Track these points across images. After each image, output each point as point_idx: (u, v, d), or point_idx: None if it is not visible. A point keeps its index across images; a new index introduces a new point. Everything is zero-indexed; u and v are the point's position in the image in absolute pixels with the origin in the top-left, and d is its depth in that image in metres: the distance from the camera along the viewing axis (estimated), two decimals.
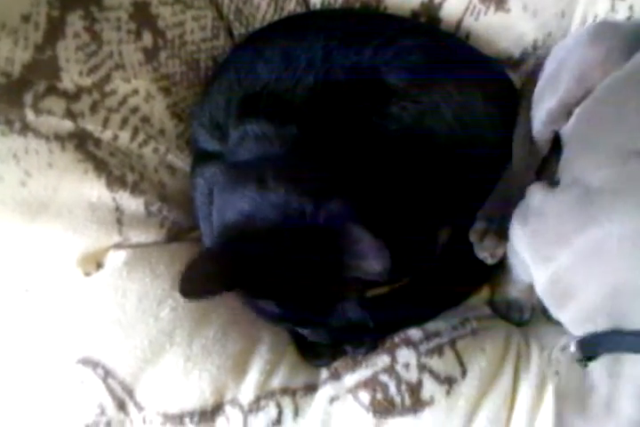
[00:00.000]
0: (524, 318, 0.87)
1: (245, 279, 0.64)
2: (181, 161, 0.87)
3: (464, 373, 0.76)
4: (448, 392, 0.75)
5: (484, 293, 0.89)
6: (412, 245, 0.85)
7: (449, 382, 0.75)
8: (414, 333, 0.79)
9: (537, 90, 0.85)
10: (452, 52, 0.88)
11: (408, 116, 0.79)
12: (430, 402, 0.74)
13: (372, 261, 0.62)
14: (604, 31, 0.79)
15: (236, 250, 0.66)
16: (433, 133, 0.81)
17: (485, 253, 0.80)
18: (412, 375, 0.75)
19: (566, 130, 0.80)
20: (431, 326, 0.80)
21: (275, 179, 0.68)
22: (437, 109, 0.80)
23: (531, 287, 0.81)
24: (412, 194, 0.81)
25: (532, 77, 0.89)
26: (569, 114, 0.80)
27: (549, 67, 0.86)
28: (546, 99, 0.82)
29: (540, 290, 0.72)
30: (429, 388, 0.74)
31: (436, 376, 0.75)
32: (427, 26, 0.95)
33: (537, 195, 0.74)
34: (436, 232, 0.90)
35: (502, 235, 0.79)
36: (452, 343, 0.78)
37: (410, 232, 0.84)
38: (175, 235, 0.84)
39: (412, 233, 0.84)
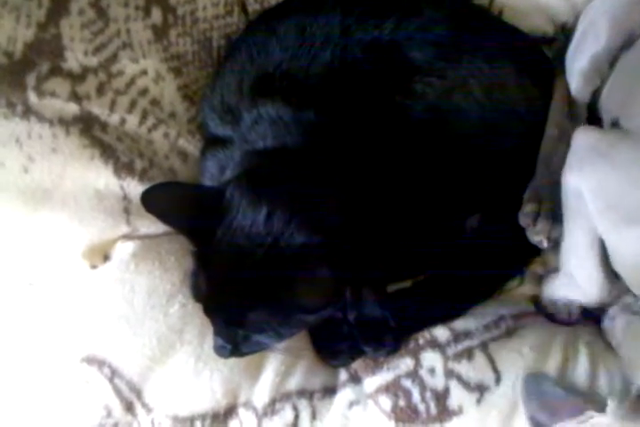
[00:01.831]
0: (573, 320, 0.79)
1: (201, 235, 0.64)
2: (193, 146, 0.82)
3: (498, 379, 0.70)
4: (479, 401, 0.69)
5: (527, 287, 0.81)
6: (437, 235, 0.80)
7: (480, 389, 0.69)
8: (441, 333, 0.73)
9: (573, 45, 0.80)
10: (482, 23, 0.81)
11: (434, 94, 0.73)
12: (459, 412, 0.68)
13: (308, 292, 0.60)
14: None
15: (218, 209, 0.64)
16: (461, 111, 0.75)
17: (540, 237, 0.73)
18: (438, 382, 0.70)
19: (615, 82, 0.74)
20: (460, 324, 0.74)
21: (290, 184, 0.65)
22: (465, 85, 0.74)
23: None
24: (440, 179, 0.75)
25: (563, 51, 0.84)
26: (613, 61, 0.74)
27: (585, 20, 0.81)
28: (587, 47, 0.77)
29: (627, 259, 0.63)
30: (457, 396, 0.69)
31: (465, 383, 0.69)
32: None
33: (591, 137, 0.67)
34: (465, 218, 0.84)
35: (555, 216, 0.72)
36: (484, 346, 0.72)
37: (437, 219, 0.79)
38: None
39: (439, 220, 0.79)
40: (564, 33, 0.88)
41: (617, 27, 0.73)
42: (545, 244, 0.73)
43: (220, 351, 0.66)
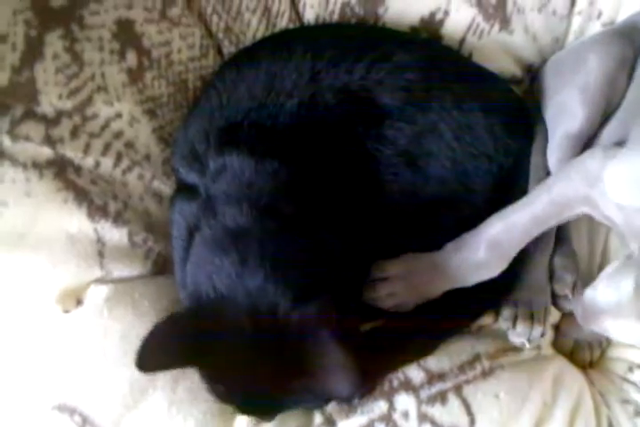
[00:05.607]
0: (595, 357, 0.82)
1: (201, 358, 0.62)
2: (169, 188, 0.82)
3: (472, 423, 0.70)
4: None
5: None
6: None
7: None
8: (415, 374, 0.73)
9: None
10: (452, 66, 0.82)
11: (404, 139, 0.74)
12: None
13: (335, 382, 0.58)
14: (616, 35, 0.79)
15: (200, 329, 0.62)
16: (432, 155, 0.76)
17: (521, 339, 0.75)
18: (412, 426, 0.69)
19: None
20: (435, 365, 0.74)
21: (256, 257, 0.63)
22: (436, 129, 0.75)
23: None
24: (415, 223, 0.76)
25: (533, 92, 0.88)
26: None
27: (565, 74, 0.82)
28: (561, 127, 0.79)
29: None
30: None
31: None
32: (425, 39, 0.89)
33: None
34: None
35: (533, 316, 0.75)
36: (458, 389, 0.72)
37: None
38: (161, 267, 0.79)
39: None
40: (530, 74, 0.91)
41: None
42: (527, 345, 0.74)
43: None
